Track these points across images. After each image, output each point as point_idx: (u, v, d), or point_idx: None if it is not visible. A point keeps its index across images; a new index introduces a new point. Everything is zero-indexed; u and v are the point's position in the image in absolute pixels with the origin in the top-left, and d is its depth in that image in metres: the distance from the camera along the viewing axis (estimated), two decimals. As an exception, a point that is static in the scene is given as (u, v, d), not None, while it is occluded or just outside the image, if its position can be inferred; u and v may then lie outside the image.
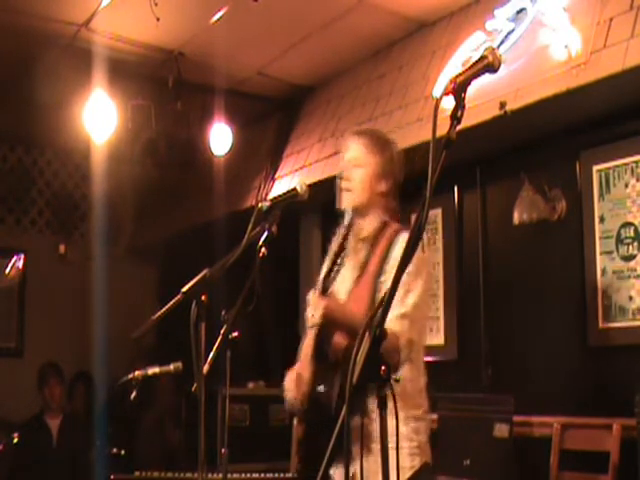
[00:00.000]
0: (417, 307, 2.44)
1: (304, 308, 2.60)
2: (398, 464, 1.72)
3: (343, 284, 2.60)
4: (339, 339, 2.47)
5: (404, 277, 2.42)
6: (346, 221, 2.72)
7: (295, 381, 2.54)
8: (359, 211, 2.63)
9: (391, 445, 2.20)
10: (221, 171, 5.54)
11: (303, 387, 2.53)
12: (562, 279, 4.07)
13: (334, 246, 2.64)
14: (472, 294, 4.51)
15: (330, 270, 2.47)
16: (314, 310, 2.38)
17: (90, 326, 5.92)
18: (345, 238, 2.66)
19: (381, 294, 2.46)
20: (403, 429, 2.39)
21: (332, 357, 2.48)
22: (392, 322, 2.37)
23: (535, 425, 3.96)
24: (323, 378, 2.50)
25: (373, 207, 2.62)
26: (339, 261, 2.47)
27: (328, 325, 2.42)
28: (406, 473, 2.39)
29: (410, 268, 2.44)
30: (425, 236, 4.76)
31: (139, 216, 7.16)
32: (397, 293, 2.37)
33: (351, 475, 2.23)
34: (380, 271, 2.50)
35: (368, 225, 2.62)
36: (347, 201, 2.63)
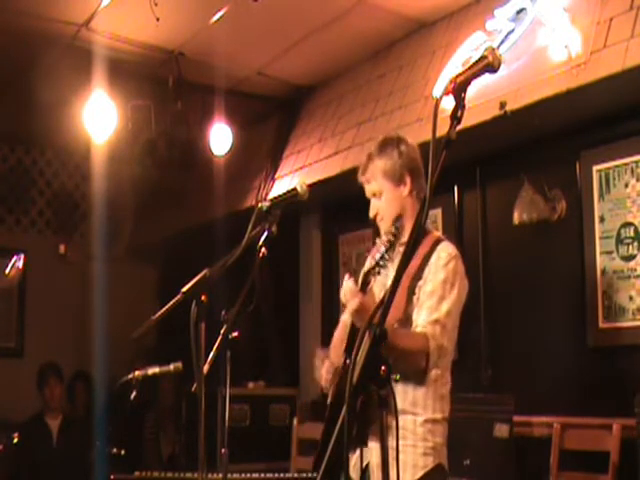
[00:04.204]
0: (450, 315, 2.49)
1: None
2: (398, 461, 1.74)
3: (381, 283, 2.61)
4: None
5: (438, 285, 2.47)
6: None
7: (327, 368, 2.55)
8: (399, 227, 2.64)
9: (410, 442, 2.24)
10: (221, 171, 5.54)
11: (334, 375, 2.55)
12: (562, 279, 4.07)
13: (381, 243, 2.63)
14: (472, 294, 4.45)
15: (375, 266, 2.47)
16: (348, 301, 2.36)
17: (90, 326, 5.91)
18: (394, 237, 2.66)
19: (415, 297, 2.51)
20: (419, 430, 2.44)
21: None
22: (425, 326, 2.41)
23: (535, 425, 3.96)
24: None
25: (406, 210, 2.64)
26: (383, 261, 2.46)
27: (358, 318, 2.41)
28: (418, 472, 2.41)
29: (444, 276, 2.52)
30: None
31: (139, 216, 7.16)
32: (431, 300, 2.47)
33: (366, 464, 2.30)
34: (418, 275, 2.53)
35: (407, 231, 2.64)
36: (384, 226, 2.64)
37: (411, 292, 2.51)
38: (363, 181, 2.73)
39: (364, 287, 2.44)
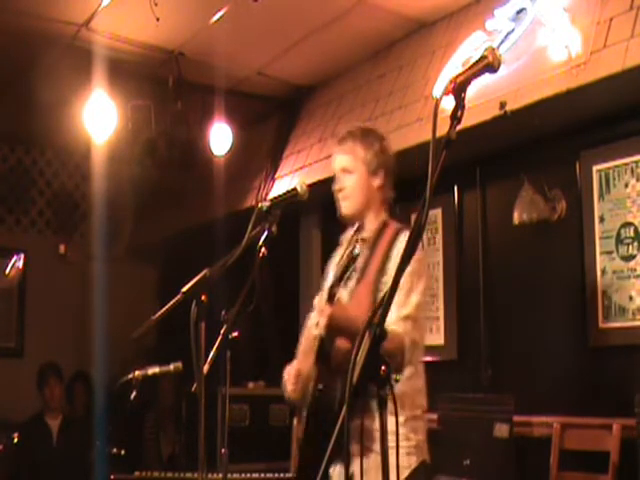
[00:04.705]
0: (419, 307, 2.46)
1: (306, 309, 2.63)
2: (398, 463, 1.73)
3: (347, 289, 2.61)
4: (342, 342, 2.48)
5: (404, 278, 2.45)
6: (352, 230, 2.74)
7: (295, 377, 2.55)
8: (359, 214, 2.65)
9: (392, 444, 2.21)
10: (221, 171, 5.53)
11: (302, 382, 2.56)
12: (562, 279, 4.07)
13: (343, 254, 2.63)
14: (472, 294, 4.51)
15: (340, 278, 2.47)
16: (319, 317, 2.36)
17: (90, 326, 5.91)
18: (354, 246, 2.67)
19: (381, 293, 2.47)
20: (401, 429, 2.40)
21: (334, 359, 2.48)
22: (396, 323, 2.38)
23: (535, 425, 3.96)
24: (326, 380, 2.50)
25: (371, 204, 2.64)
26: (349, 272, 2.46)
27: (332, 330, 2.42)
28: (404, 472, 2.39)
29: (410, 269, 2.47)
30: (425, 236, 4.77)
31: (139, 216, 7.16)
32: (398, 294, 2.42)
33: (350, 474, 2.25)
34: (382, 270, 2.51)
35: (368, 226, 2.64)
36: (346, 209, 2.65)
37: (376, 289, 2.49)
38: (337, 149, 2.70)
39: (331, 300, 2.45)
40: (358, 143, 2.65)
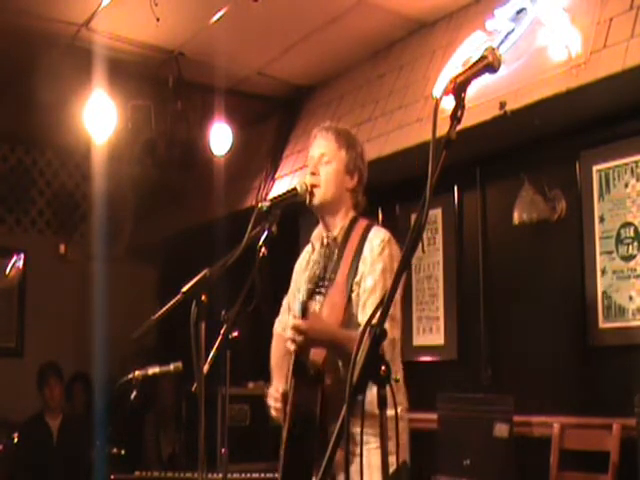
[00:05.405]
0: (396, 305, 2.43)
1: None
2: (399, 458, 1.72)
3: (321, 295, 2.58)
4: (317, 353, 2.46)
5: (379, 275, 2.45)
6: (321, 229, 2.71)
7: (281, 401, 2.56)
8: (327, 207, 2.62)
9: (373, 446, 2.19)
10: (221, 171, 5.54)
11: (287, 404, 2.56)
12: (562, 279, 4.07)
13: (314, 266, 2.61)
14: (472, 294, 4.51)
15: (312, 291, 2.46)
16: (294, 334, 2.35)
17: (90, 326, 5.91)
18: (327, 251, 2.63)
19: (354, 295, 2.47)
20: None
21: (311, 370, 2.47)
22: None
23: (535, 425, 3.96)
24: (303, 392, 2.50)
25: (341, 203, 2.63)
26: (325, 283, 2.44)
27: (308, 344, 2.41)
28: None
29: (384, 266, 2.46)
30: (425, 236, 4.77)
31: (139, 216, 7.16)
32: (374, 295, 2.43)
33: None
34: (353, 272, 2.49)
35: (338, 223, 2.62)
36: (316, 197, 2.59)
37: (349, 290, 2.47)
38: (321, 134, 2.68)
39: (305, 313, 2.44)
40: (343, 140, 2.65)
